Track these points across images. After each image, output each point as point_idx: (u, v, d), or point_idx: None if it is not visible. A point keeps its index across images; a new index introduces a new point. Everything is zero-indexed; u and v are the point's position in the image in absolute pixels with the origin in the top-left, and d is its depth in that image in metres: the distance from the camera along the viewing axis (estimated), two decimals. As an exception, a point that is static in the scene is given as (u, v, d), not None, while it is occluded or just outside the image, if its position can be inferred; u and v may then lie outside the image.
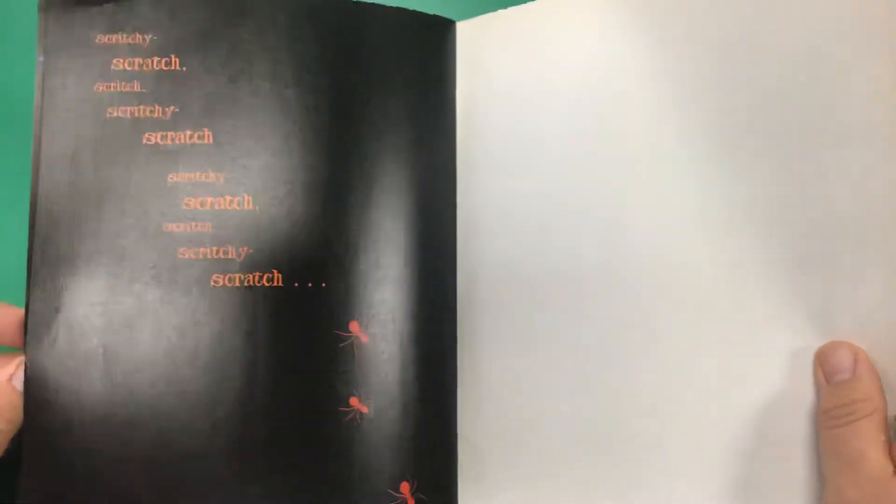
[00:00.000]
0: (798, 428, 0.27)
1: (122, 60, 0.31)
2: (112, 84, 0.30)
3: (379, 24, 0.32)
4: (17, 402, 0.28)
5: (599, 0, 0.31)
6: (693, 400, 0.29)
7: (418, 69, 0.32)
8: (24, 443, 0.28)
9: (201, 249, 0.30)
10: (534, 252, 0.31)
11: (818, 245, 0.28)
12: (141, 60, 0.31)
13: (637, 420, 0.29)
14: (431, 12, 0.33)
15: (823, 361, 0.27)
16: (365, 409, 0.29)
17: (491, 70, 0.33)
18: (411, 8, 0.33)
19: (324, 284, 0.30)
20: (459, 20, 0.33)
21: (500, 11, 0.33)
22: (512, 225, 0.32)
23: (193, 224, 0.30)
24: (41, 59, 0.30)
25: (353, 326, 0.30)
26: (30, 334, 0.29)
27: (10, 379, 0.28)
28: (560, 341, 0.30)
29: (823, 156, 0.28)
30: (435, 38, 0.33)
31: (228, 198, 0.30)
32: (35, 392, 0.29)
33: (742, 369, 0.28)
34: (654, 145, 0.30)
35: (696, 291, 0.29)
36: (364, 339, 0.30)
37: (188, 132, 0.31)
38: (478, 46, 0.33)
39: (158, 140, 0.30)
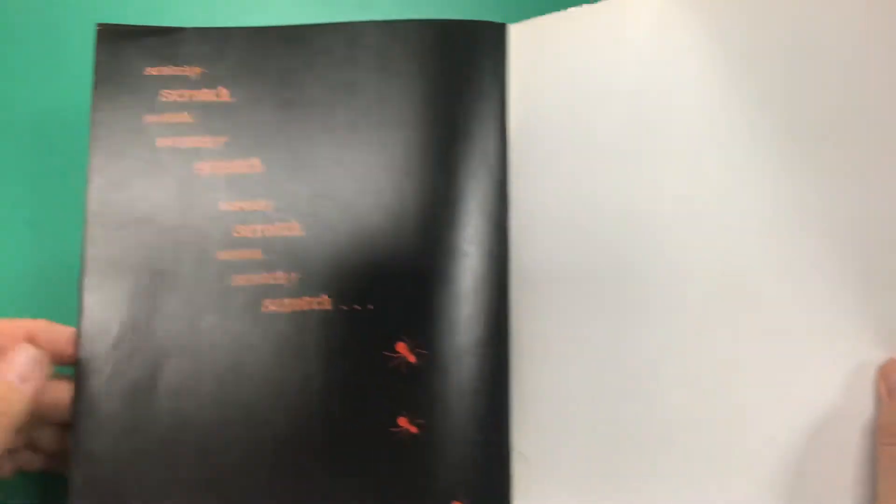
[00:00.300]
0: (853, 442, 0.27)
1: (171, 92, 0.32)
2: (162, 115, 0.31)
3: (426, 40, 0.32)
4: (10, 396, 0.28)
5: (658, 1, 0.30)
6: (748, 409, 0.28)
7: (470, 81, 0.32)
8: (73, 468, 0.29)
9: (252, 276, 0.31)
10: (589, 258, 0.31)
11: (887, 258, 0.27)
12: (190, 92, 0.32)
13: (694, 432, 0.29)
14: (481, 16, 0.33)
15: (887, 375, 0.26)
16: (414, 430, 0.30)
17: (545, 73, 0.32)
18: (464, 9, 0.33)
19: (371, 307, 0.31)
20: (512, 22, 0.33)
21: (555, 14, 0.32)
22: (567, 231, 0.31)
23: (245, 251, 0.31)
24: (94, 88, 0.32)
25: (401, 347, 0.31)
26: (81, 363, 0.30)
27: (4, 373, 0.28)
28: (616, 350, 0.30)
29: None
30: (485, 45, 0.33)
31: (278, 225, 0.31)
32: (86, 418, 0.29)
33: (800, 379, 0.27)
34: (717, 150, 0.29)
35: (757, 298, 0.28)
36: (412, 359, 0.30)
37: (238, 161, 0.31)
38: (531, 50, 0.33)
39: (209, 169, 0.31)
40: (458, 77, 0.32)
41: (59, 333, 0.30)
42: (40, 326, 0.30)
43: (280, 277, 0.31)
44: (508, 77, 0.33)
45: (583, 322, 0.31)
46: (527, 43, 0.33)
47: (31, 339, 0.30)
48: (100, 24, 0.32)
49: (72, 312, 0.35)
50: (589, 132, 0.31)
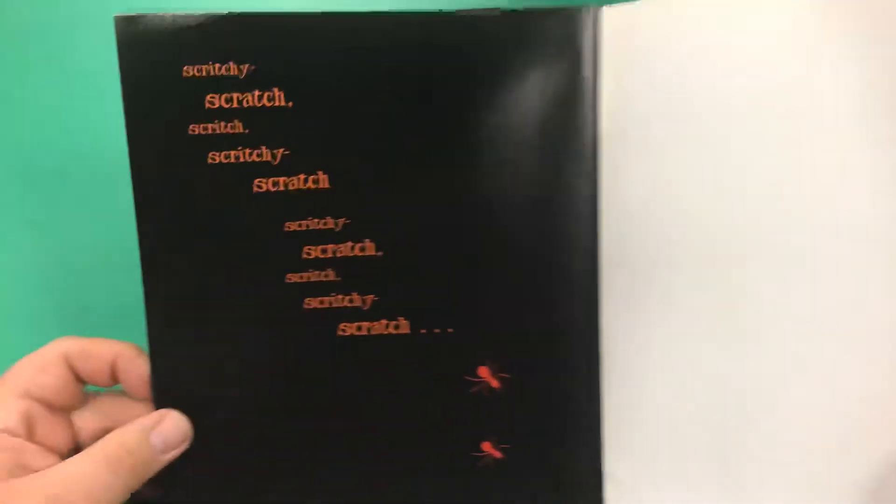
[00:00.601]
0: None
1: (217, 96, 0.27)
2: (209, 125, 0.27)
3: (501, 31, 0.27)
4: (150, 459, 0.27)
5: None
6: (851, 432, 0.27)
7: (554, 75, 0.28)
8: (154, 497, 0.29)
9: (326, 298, 0.29)
10: (692, 264, 0.28)
11: None
12: (240, 95, 0.27)
13: (797, 456, 0.28)
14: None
15: None
16: (498, 454, 0.30)
17: (645, 59, 0.28)
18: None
19: (451, 330, 0.29)
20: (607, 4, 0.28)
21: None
22: (671, 233, 0.28)
23: (317, 273, 0.29)
24: (124, 96, 0.27)
25: (483, 371, 0.29)
26: (155, 394, 0.29)
27: (150, 433, 0.27)
28: (715, 364, 0.28)
29: None
30: (571, 31, 0.28)
31: (350, 244, 0.28)
32: None
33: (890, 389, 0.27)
34: (850, 151, 0.26)
35: (862, 307, 0.26)
36: (495, 383, 0.29)
37: (302, 176, 0.28)
38: (630, 33, 0.28)
39: (270, 187, 0.28)
40: (540, 75, 0.28)
41: (141, 364, 0.28)
42: (126, 354, 0.28)
43: (355, 299, 0.29)
44: (600, 64, 0.28)
45: (679, 336, 0.29)
46: (625, 26, 0.28)
47: (114, 365, 0.28)
48: (118, 15, 0.26)
49: (75, 313, 0.37)
50: (693, 125, 0.27)
